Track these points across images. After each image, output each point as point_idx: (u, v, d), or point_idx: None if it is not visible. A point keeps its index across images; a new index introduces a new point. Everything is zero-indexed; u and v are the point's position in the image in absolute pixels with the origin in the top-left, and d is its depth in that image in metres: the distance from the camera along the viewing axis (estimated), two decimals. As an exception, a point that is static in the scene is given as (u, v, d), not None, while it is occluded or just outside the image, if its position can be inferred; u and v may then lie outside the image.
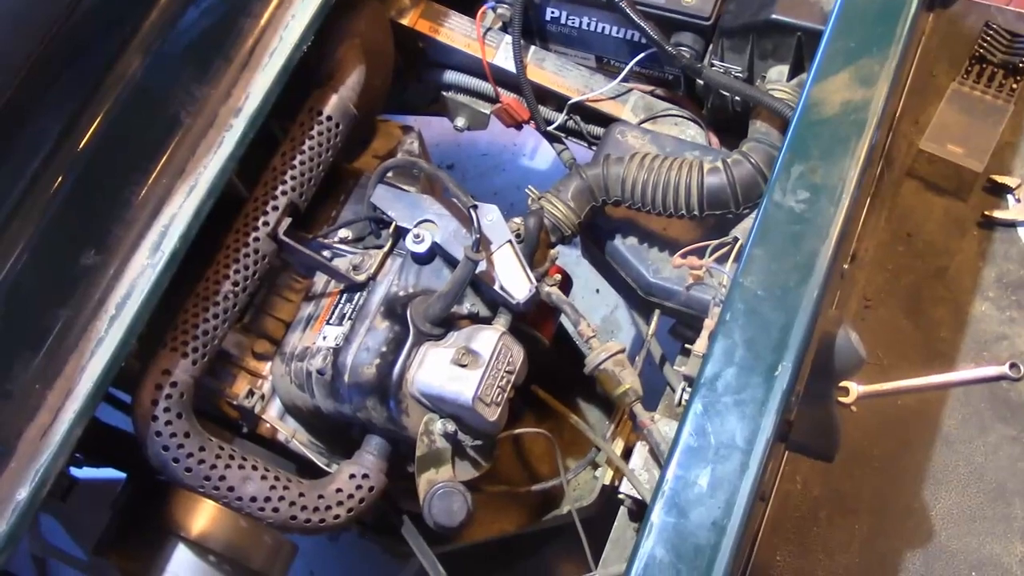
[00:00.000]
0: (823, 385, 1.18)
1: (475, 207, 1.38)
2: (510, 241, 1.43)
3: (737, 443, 1.06)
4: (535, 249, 1.48)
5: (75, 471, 1.99)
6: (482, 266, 1.39)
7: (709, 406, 1.09)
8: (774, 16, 1.47)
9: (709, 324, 1.27)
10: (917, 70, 1.73)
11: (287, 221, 1.47)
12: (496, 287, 1.40)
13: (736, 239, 1.39)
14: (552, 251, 1.54)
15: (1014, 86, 1.69)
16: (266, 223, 1.44)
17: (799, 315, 1.11)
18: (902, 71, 1.34)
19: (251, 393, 1.51)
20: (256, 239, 1.43)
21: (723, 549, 1.03)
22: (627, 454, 1.58)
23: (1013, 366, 1.53)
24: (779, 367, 1.08)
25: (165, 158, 1.30)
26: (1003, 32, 1.73)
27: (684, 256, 1.41)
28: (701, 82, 1.65)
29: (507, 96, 1.84)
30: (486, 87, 1.85)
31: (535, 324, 1.55)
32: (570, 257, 1.83)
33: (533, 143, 2.64)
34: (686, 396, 1.32)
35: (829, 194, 1.17)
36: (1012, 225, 1.62)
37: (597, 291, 2.41)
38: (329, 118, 1.51)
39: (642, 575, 1.03)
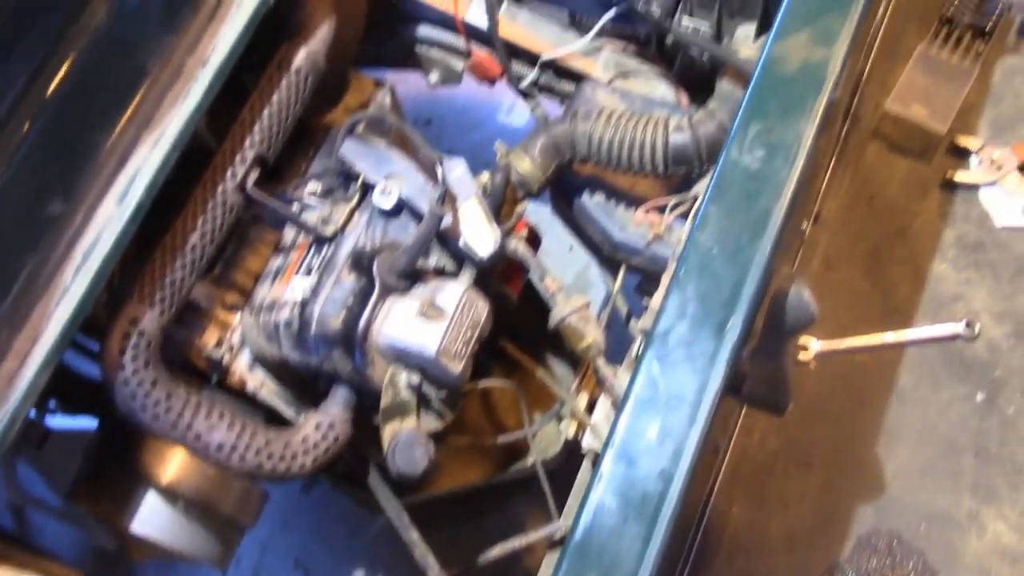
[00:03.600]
0: (776, 340, 1.21)
1: (441, 161, 1.39)
2: (476, 196, 1.44)
3: (686, 395, 1.09)
4: (501, 204, 1.50)
5: (50, 421, 2.01)
6: (448, 220, 1.40)
7: (661, 358, 1.11)
8: (741, -26, 1.48)
9: (666, 280, 1.29)
10: (886, 32, 1.74)
11: (255, 173, 1.48)
12: (461, 242, 1.42)
13: (696, 196, 1.41)
14: (519, 207, 1.55)
15: (980, 49, 1.71)
16: (234, 175, 1.45)
17: (751, 272, 1.13)
18: (863, 30, 1.36)
19: (220, 343, 1.53)
20: (224, 191, 1.44)
21: (670, 497, 1.06)
22: (591, 407, 1.61)
23: (968, 325, 1.56)
24: (730, 322, 1.11)
25: (131, 109, 1.31)
26: (972, -5, 1.74)
27: (646, 212, 1.43)
28: (671, 40, 1.66)
29: (480, 52, 1.85)
30: (459, 42, 1.86)
31: (503, 279, 1.57)
32: (545, 213, 1.84)
33: (511, 99, 2.65)
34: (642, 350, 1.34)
35: (785, 153, 1.19)
36: (973, 187, 1.64)
37: (571, 248, 2.42)
38: (298, 71, 1.52)
39: (591, 522, 1.06)
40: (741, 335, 1.10)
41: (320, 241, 1.51)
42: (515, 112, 2.61)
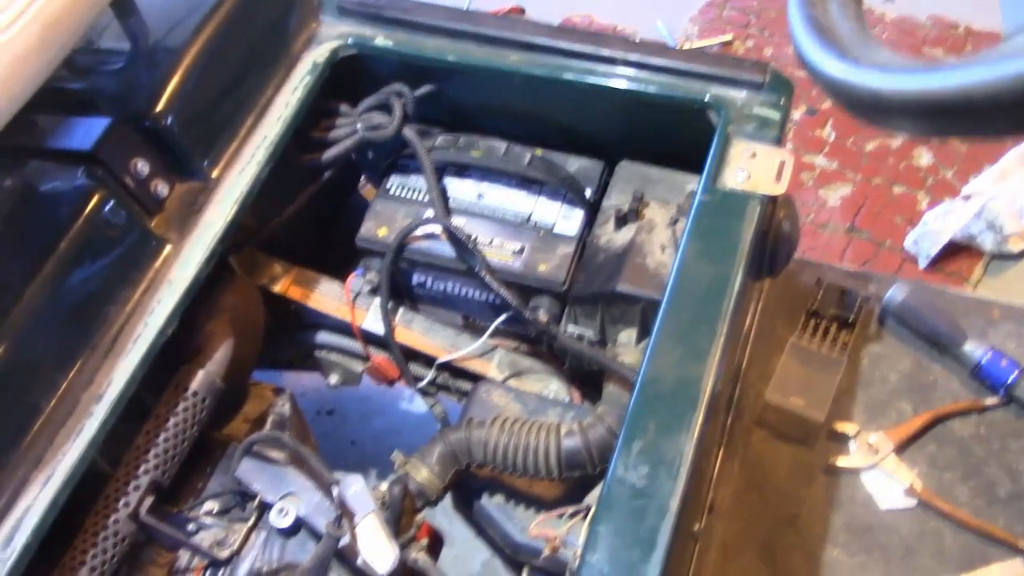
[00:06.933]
0: (675, 657, 1.21)
1: (336, 483, 1.41)
2: (374, 511, 1.45)
3: None
4: (400, 516, 1.51)
5: None
6: (346, 539, 1.40)
7: None
8: (618, 288, 1.58)
9: (564, 598, 1.30)
10: (759, 327, 1.86)
11: (149, 500, 1.47)
12: (360, 560, 1.42)
13: (589, 507, 1.44)
14: (418, 516, 1.56)
15: (846, 339, 1.83)
16: (127, 504, 1.44)
17: (643, 592, 1.15)
18: (733, 339, 1.45)
19: None
20: (116, 521, 1.42)
21: None
22: None
23: (865, 614, 1.58)
24: (626, 647, 1.12)
25: (22, 448, 1.30)
26: (833, 289, 1.89)
27: (539, 526, 1.45)
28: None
29: (377, 356, 1.91)
30: (358, 347, 1.92)
31: (407, 585, 1.56)
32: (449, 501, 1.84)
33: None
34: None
35: (667, 468, 1.24)
36: (856, 471, 1.71)
37: (476, 534, 2.41)
38: (195, 394, 1.54)
39: None
40: (638, 661, 1.11)
41: (216, 564, 1.49)
42: (416, 400, 2.66)
